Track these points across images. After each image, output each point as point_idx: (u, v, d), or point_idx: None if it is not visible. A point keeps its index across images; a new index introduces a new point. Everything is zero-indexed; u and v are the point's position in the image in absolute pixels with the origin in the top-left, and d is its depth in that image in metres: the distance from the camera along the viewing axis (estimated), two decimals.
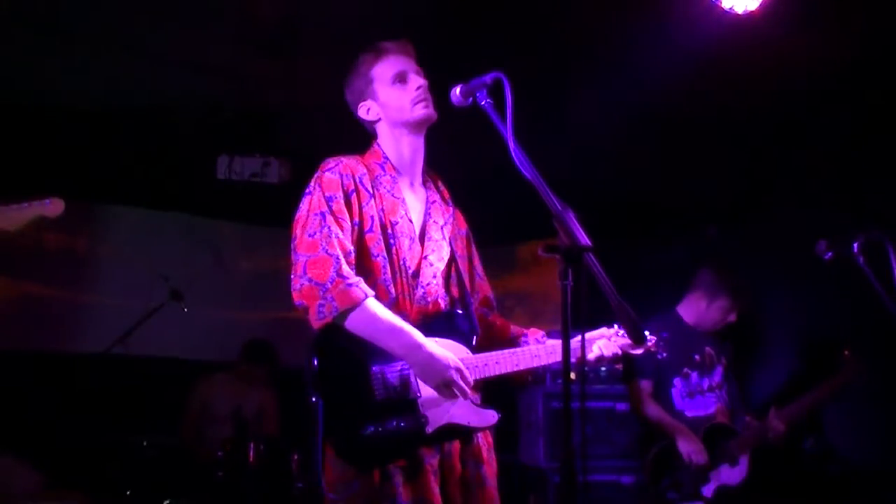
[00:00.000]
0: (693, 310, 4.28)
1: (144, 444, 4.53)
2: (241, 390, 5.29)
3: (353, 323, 2.18)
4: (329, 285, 2.17)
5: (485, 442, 2.40)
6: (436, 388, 2.20)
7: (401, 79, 2.44)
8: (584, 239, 1.85)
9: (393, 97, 2.44)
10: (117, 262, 6.16)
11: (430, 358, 2.18)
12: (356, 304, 2.17)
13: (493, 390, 2.47)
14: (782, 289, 5.33)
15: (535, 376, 2.58)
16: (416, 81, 2.44)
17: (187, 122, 5.28)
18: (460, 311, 2.43)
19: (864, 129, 4.84)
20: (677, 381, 4.15)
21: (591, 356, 2.50)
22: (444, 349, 2.23)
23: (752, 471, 4.01)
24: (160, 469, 4.57)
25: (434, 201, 2.52)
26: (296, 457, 4.53)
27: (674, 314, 4.30)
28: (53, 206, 3.01)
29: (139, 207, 6.26)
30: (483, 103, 2.18)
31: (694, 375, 4.17)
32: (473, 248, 2.66)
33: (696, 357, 4.19)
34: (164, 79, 4.71)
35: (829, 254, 3.21)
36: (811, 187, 5.30)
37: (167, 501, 4.21)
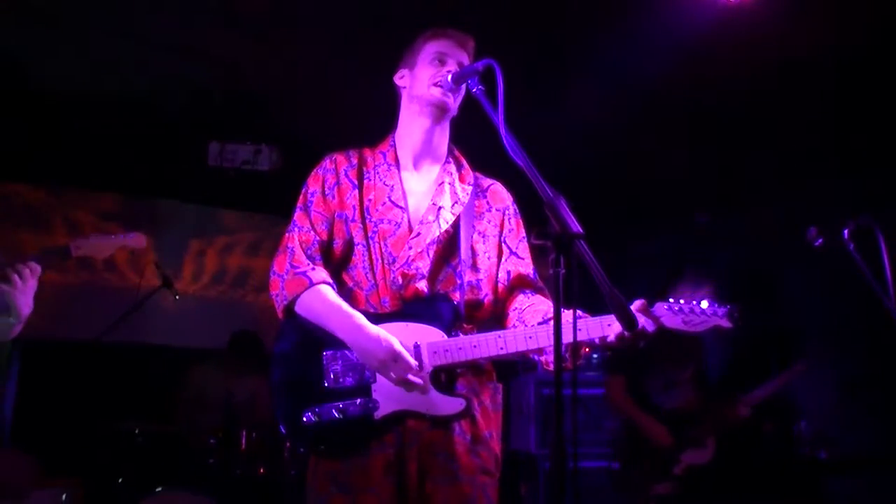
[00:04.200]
0: None
1: (136, 431, 4.53)
2: (233, 378, 5.28)
3: (300, 308, 2.26)
4: (285, 276, 2.28)
5: (467, 434, 2.27)
6: (377, 371, 2.19)
7: (440, 60, 2.41)
8: (576, 226, 1.83)
9: (422, 72, 2.42)
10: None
11: (369, 340, 2.16)
12: (302, 291, 2.24)
13: (499, 375, 2.43)
14: (773, 276, 5.36)
15: (529, 361, 2.43)
16: (451, 67, 2.40)
17: (178, 108, 5.25)
18: (442, 294, 2.34)
19: (856, 116, 4.86)
20: (653, 375, 4.41)
21: (613, 336, 2.20)
22: (389, 335, 2.17)
23: (719, 451, 4.36)
24: (152, 456, 4.57)
25: (442, 182, 2.45)
26: (287, 444, 4.54)
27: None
28: (136, 240, 3.24)
29: (130, 194, 6.24)
30: (475, 90, 2.16)
31: (668, 369, 4.43)
32: (511, 225, 2.52)
33: (673, 351, 4.43)
34: (155, 65, 4.69)
35: (820, 240, 3.22)
36: (802, 175, 5.32)
37: (159, 489, 4.20)
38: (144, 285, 4.88)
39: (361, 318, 2.21)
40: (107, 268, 6.10)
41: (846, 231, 3.08)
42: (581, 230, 1.83)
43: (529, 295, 2.46)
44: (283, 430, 2.23)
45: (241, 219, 6.77)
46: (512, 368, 5.38)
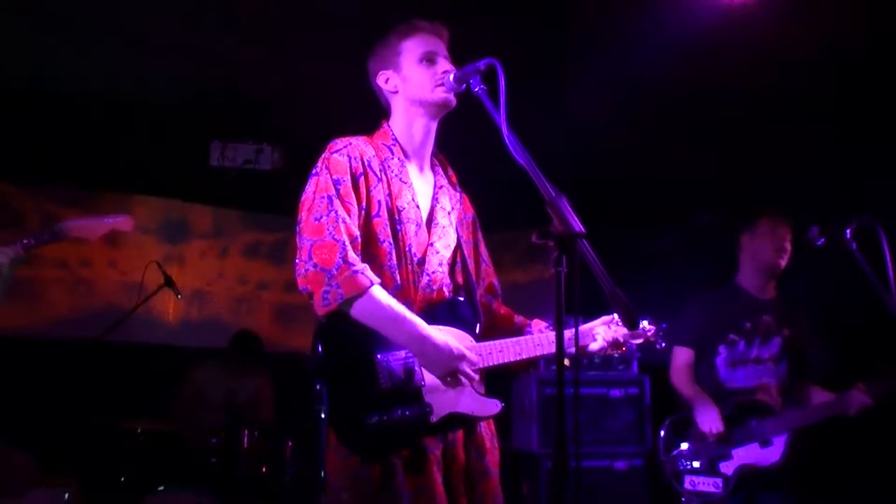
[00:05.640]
0: (754, 264, 3.92)
1: (138, 430, 4.53)
2: (235, 377, 5.30)
3: (357, 311, 2.14)
4: (335, 272, 2.11)
5: (487, 431, 2.39)
6: (441, 377, 2.18)
7: (429, 59, 2.38)
8: (578, 225, 1.84)
9: (416, 74, 2.38)
10: (110, 248, 6.15)
11: (436, 348, 2.16)
12: (362, 292, 2.12)
13: (487, 377, 2.45)
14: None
15: (533, 365, 2.57)
16: (444, 65, 2.38)
17: (179, 108, 5.25)
18: (463, 299, 2.40)
19: (857, 116, 4.85)
20: (722, 349, 3.87)
21: (594, 346, 2.48)
22: (452, 337, 2.21)
23: (791, 455, 3.64)
24: (154, 456, 4.57)
25: (441, 186, 2.47)
26: (290, 443, 4.54)
27: (731, 284, 4.03)
28: (125, 223, 3.34)
29: (132, 194, 6.24)
30: (476, 90, 2.16)
31: (741, 344, 3.84)
32: (479, 234, 2.61)
33: (747, 325, 3.85)
34: (156, 65, 4.69)
35: (822, 240, 3.22)
36: (804, 174, 5.31)
37: (161, 488, 4.20)
38: (146, 284, 4.87)
39: (425, 325, 2.19)
40: (108, 267, 6.11)
41: (848, 230, 3.08)
42: (583, 229, 1.84)
43: (495, 303, 2.61)
44: (340, 434, 2.15)
45: (243, 218, 6.77)
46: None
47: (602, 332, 2.49)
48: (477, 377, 2.24)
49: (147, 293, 5.01)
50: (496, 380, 2.51)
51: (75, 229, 3.23)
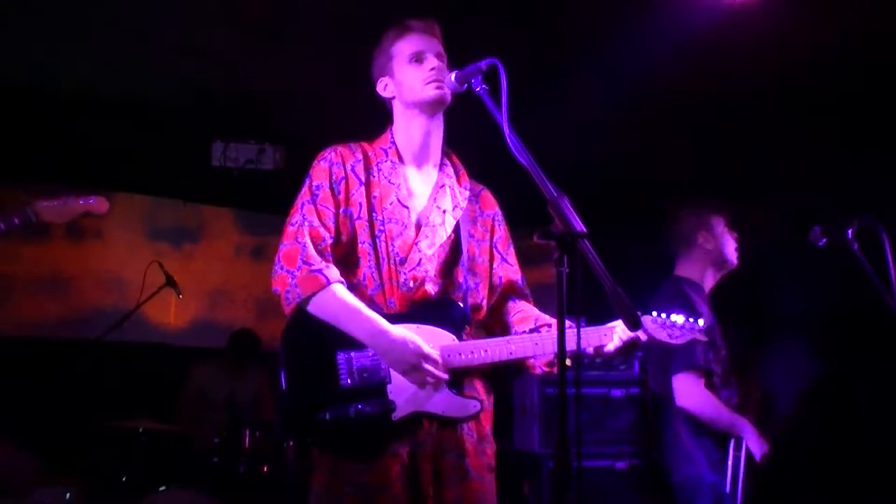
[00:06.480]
0: (710, 261, 3.62)
1: (140, 430, 4.54)
2: (236, 377, 5.32)
3: (314, 307, 2.20)
4: (296, 272, 2.20)
5: (473, 434, 2.32)
6: (403, 374, 2.18)
7: (417, 58, 2.39)
8: (580, 225, 1.84)
9: (407, 76, 2.39)
10: (112, 247, 6.16)
11: (394, 343, 2.16)
12: (318, 290, 2.18)
13: (490, 376, 2.42)
14: (777, 275, 5.34)
15: (555, 364, 2.45)
16: (431, 62, 2.38)
17: (181, 108, 5.26)
18: (453, 298, 2.37)
19: (858, 116, 4.86)
20: (719, 364, 3.43)
21: (611, 346, 2.35)
22: (414, 335, 2.19)
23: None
24: (156, 455, 4.58)
25: (443, 185, 2.46)
26: (290, 443, 4.54)
27: (694, 284, 3.62)
28: (99, 204, 3.21)
29: (134, 194, 6.25)
30: (478, 89, 2.15)
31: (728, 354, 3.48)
32: (501, 232, 2.58)
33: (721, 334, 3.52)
34: (158, 65, 4.69)
35: (824, 240, 3.21)
36: (806, 174, 5.32)
37: (163, 487, 4.21)
38: (147, 284, 4.88)
39: (384, 322, 2.20)
40: (110, 266, 6.11)
41: (850, 231, 3.08)
42: (585, 229, 1.84)
43: (517, 301, 2.55)
44: (296, 429, 2.21)
45: (245, 218, 6.78)
46: (514, 368, 5.37)
47: (620, 331, 2.38)
48: (445, 376, 2.20)
49: (148, 293, 5.02)
50: (497, 379, 2.48)
51: (46, 211, 3.14)
